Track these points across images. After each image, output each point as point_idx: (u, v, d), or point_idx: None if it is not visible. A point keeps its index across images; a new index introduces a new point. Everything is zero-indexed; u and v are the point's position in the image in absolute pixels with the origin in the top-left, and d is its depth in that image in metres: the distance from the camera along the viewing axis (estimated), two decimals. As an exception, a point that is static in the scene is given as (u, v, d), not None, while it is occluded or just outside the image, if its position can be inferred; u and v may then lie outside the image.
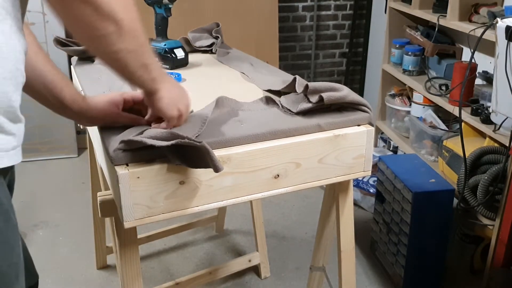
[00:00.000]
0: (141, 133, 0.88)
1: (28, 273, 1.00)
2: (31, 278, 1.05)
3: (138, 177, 0.85)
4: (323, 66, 3.56)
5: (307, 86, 1.03)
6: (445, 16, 2.14)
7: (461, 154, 1.83)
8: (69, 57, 1.60)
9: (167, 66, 1.43)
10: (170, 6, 1.42)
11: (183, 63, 1.46)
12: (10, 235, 0.75)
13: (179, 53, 1.44)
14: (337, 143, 1.01)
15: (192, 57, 1.52)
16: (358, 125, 1.05)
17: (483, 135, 1.93)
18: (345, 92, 1.03)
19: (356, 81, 3.62)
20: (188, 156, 0.85)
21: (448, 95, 2.13)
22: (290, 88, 1.11)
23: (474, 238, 1.99)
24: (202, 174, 0.90)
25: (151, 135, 0.86)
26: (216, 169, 0.84)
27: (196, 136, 0.90)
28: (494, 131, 1.79)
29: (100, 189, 1.62)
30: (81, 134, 2.99)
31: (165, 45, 1.43)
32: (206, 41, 1.64)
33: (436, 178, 1.80)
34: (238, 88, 1.28)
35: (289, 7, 3.31)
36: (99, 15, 0.68)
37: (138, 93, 0.95)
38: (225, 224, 2.28)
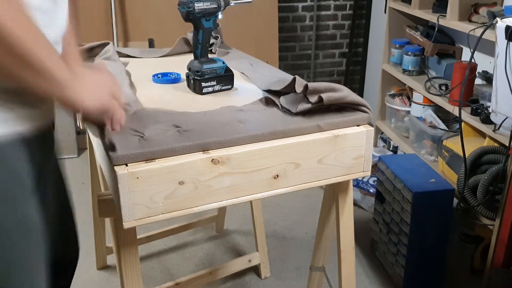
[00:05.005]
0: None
1: (65, 246, 1.03)
2: (69, 254, 1.08)
3: (138, 177, 0.85)
4: (323, 66, 3.57)
5: (306, 86, 1.03)
6: (445, 16, 2.14)
7: (461, 154, 1.83)
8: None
9: (229, 86, 1.25)
10: (219, 16, 1.22)
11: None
12: (13, 191, 0.77)
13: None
14: (336, 144, 1.01)
15: (191, 57, 1.52)
16: (358, 125, 1.05)
17: (483, 135, 1.93)
18: (344, 93, 1.03)
19: (356, 81, 3.62)
20: None
21: (448, 95, 2.13)
22: (289, 88, 1.11)
23: (474, 238, 1.99)
24: (201, 174, 0.91)
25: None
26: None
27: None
28: (494, 131, 1.79)
29: (100, 190, 1.62)
30: (81, 134, 2.99)
31: (223, 63, 1.24)
32: (205, 41, 1.63)
33: (436, 178, 1.80)
34: (237, 88, 1.28)
35: (289, 7, 3.32)
36: None
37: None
38: (225, 224, 2.28)
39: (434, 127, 2.29)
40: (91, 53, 1.48)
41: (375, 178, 2.21)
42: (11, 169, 0.77)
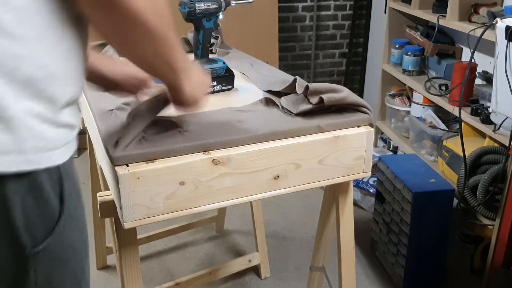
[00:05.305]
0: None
1: None
2: None
3: (138, 178, 0.85)
4: (323, 66, 3.56)
5: (307, 87, 1.03)
6: (445, 16, 2.14)
7: (461, 154, 1.83)
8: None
9: (229, 87, 1.27)
10: (220, 16, 1.22)
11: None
12: (82, 215, 0.79)
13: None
14: (337, 144, 1.02)
15: (192, 58, 1.52)
16: (358, 126, 1.05)
17: (483, 135, 1.93)
18: (345, 94, 1.03)
19: (356, 81, 3.62)
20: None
21: (448, 95, 2.13)
22: (290, 89, 1.11)
23: (474, 238, 1.99)
24: (202, 175, 0.91)
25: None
26: None
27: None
28: (494, 131, 1.79)
29: (100, 190, 1.62)
30: (81, 134, 2.98)
31: (224, 63, 1.25)
32: (206, 42, 1.63)
33: (436, 178, 1.80)
34: (238, 88, 1.28)
35: (289, 7, 3.31)
36: (130, 22, 0.66)
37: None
38: (225, 224, 2.28)
39: (434, 127, 2.29)
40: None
41: (375, 178, 2.21)
42: (77, 189, 0.76)
